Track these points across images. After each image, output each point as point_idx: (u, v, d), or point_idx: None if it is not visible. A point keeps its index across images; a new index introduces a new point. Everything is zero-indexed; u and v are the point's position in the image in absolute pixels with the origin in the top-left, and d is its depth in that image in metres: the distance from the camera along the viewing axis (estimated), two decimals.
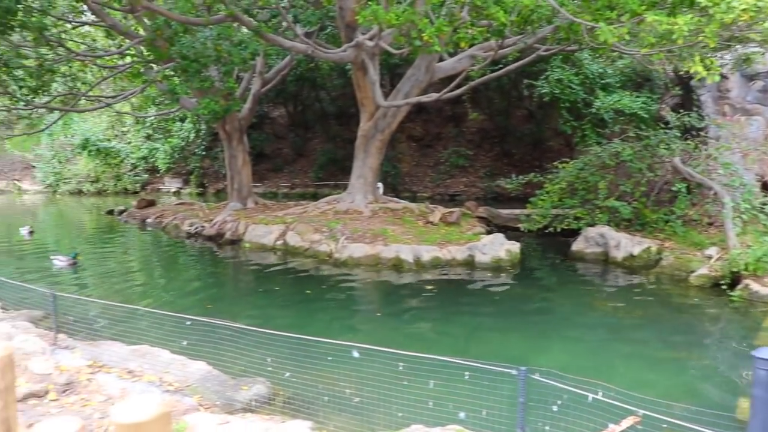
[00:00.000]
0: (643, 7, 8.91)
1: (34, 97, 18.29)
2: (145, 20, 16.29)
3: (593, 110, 20.31)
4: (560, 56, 19.81)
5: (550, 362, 7.19)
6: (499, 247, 14.00)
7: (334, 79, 28.85)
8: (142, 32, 17.73)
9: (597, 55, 20.87)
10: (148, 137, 33.73)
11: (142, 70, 17.44)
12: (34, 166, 36.59)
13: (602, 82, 21.11)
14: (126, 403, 1.07)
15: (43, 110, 21.56)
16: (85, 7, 18.15)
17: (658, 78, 21.90)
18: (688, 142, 15.66)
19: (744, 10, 7.87)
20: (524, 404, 4.83)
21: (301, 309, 10.91)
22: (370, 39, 15.23)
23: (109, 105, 23.67)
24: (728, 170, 14.42)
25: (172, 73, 15.75)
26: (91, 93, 21.95)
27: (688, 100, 18.12)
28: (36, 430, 1.22)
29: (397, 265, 13.75)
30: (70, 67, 20.16)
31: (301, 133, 32.16)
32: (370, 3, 12.48)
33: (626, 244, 13.98)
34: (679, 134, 16.09)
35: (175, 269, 15.05)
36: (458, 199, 24.82)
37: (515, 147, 27.25)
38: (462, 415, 5.41)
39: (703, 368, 8.21)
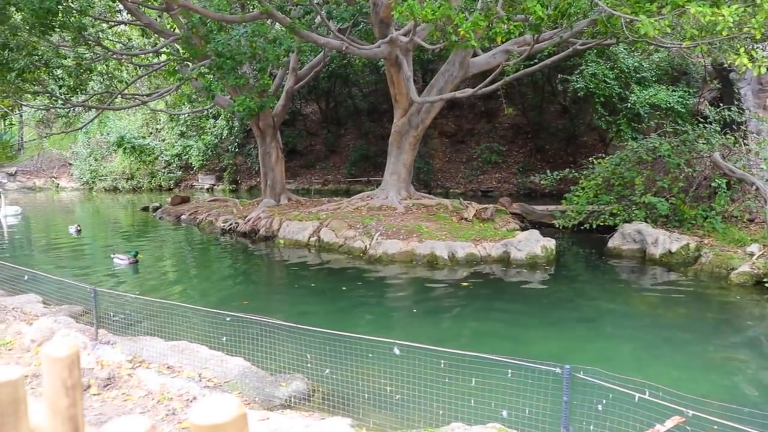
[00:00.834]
0: None
1: (71, 96, 18.56)
2: (181, 18, 16.43)
3: (628, 105, 20.08)
4: (595, 50, 19.57)
5: (588, 360, 7.11)
6: (534, 244, 13.86)
7: (367, 76, 28.90)
8: (177, 31, 17.88)
9: (633, 49, 20.61)
10: (182, 134, 34.09)
11: (177, 67, 17.58)
12: (71, 164, 37.24)
13: (638, 76, 20.84)
14: (201, 404, 1.05)
15: (80, 109, 21.87)
16: (121, 6, 18.39)
17: (695, 71, 21.58)
18: (728, 136, 15.36)
19: None
20: (568, 403, 4.75)
21: (337, 305, 10.91)
22: (405, 35, 15.18)
23: (144, 103, 23.96)
24: None
25: (206, 70, 15.86)
26: (126, 91, 22.22)
27: (727, 94, 17.80)
28: (105, 429, 1.20)
29: (432, 262, 13.70)
30: (107, 65, 20.42)
31: (333, 130, 32.24)
32: None
33: (664, 241, 13.75)
34: (718, 129, 15.79)
35: (210, 265, 15.15)
36: (491, 195, 24.69)
37: (548, 142, 27.02)
38: (504, 413, 5.34)
39: (748, 368, 8.02)
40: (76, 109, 21.28)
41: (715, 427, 4.55)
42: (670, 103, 19.01)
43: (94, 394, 6.58)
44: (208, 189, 32.37)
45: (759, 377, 7.71)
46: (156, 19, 20.01)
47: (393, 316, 10.69)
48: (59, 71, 17.47)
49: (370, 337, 5.95)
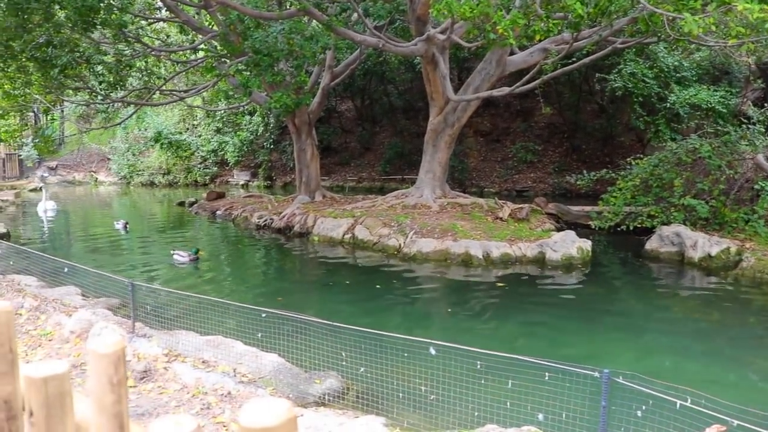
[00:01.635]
0: None
1: (111, 92, 18.83)
2: (219, 15, 16.56)
3: (668, 105, 19.71)
4: (634, 49, 19.25)
5: (623, 364, 6.99)
6: (570, 245, 13.71)
7: (402, 73, 28.82)
8: (215, 27, 18.04)
9: (673, 48, 20.25)
10: (218, 131, 34.37)
11: (214, 64, 17.74)
12: (109, 159, 37.84)
13: (678, 75, 20.46)
14: (251, 406, 1.03)
15: (119, 104, 22.20)
16: (160, 3, 18.61)
17: (738, 70, 21.13)
18: None
19: None
20: (606, 408, 4.68)
21: (371, 303, 10.90)
22: (442, 32, 15.11)
23: (182, 99, 24.22)
24: None
25: (243, 67, 15.97)
26: (164, 87, 22.48)
27: None
28: (152, 427, 1.19)
29: (466, 261, 13.62)
30: (146, 62, 20.68)
31: (368, 127, 32.25)
32: None
33: (703, 244, 13.48)
34: (762, 129, 15.45)
35: (244, 261, 15.26)
36: (526, 195, 24.47)
37: (585, 142, 26.68)
38: (540, 416, 5.28)
39: None
40: (115, 104, 21.60)
41: None
42: (711, 103, 18.62)
43: (131, 386, 6.66)
44: (243, 185, 32.61)
45: None
46: (194, 16, 20.20)
47: (427, 315, 10.65)
48: (100, 67, 17.74)
49: (406, 337, 5.93)
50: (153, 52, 19.47)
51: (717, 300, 11.09)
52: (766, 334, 9.46)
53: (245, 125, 32.87)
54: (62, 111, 35.08)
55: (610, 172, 17.12)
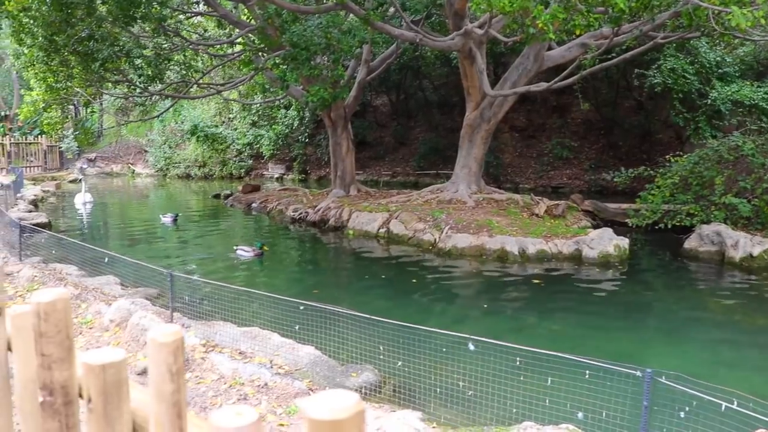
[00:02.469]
0: None
1: (149, 85, 19.07)
2: (257, 9, 16.66)
3: (708, 101, 19.34)
4: (674, 44, 18.89)
5: (661, 363, 6.87)
6: (607, 242, 13.55)
7: (438, 68, 28.72)
8: (252, 21, 18.15)
9: (715, 43, 19.87)
10: (254, 124, 34.62)
11: (252, 58, 17.87)
12: (146, 151, 38.36)
13: (720, 71, 20.05)
14: (318, 398, 1.02)
15: (157, 97, 22.48)
16: None
17: None
18: None
19: None
20: (648, 408, 4.61)
21: (407, 298, 10.89)
22: (480, 27, 15.01)
23: (218, 92, 24.43)
24: None
25: (280, 61, 16.06)
26: (201, 81, 22.70)
27: None
28: (213, 416, 1.20)
29: (502, 257, 13.54)
30: (185, 55, 20.90)
31: (403, 122, 32.22)
32: None
33: (745, 244, 13.21)
34: None
35: (280, 253, 15.34)
36: (561, 191, 24.25)
37: (622, 139, 26.33)
38: (580, 415, 5.23)
39: None
40: (153, 97, 21.87)
41: None
42: (754, 100, 18.22)
43: None
44: (277, 178, 32.82)
45: None
46: (231, 11, 20.36)
47: (463, 310, 10.61)
48: (139, 61, 17.98)
49: (443, 331, 5.90)
50: (191, 46, 19.67)
51: (759, 301, 10.86)
52: None
53: (280, 119, 33.05)
54: (101, 104, 35.64)
55: (648, 169, 16.87)
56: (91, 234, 18.06)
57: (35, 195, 23.77)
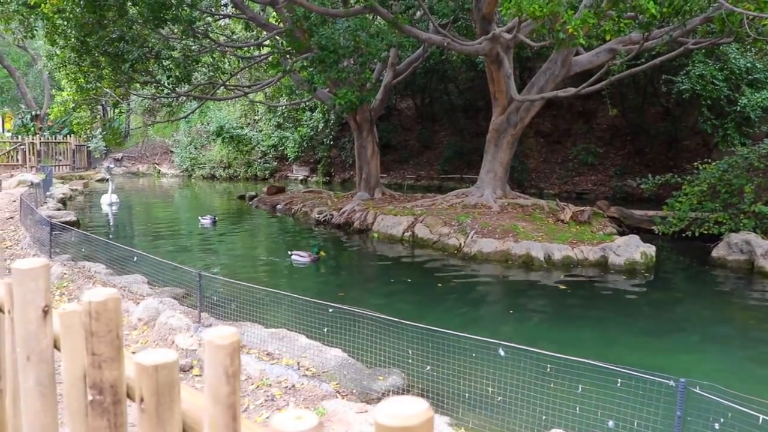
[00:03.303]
0: None
1: (177, 86, 19.25)
2: (285, 12, 16.75)
3: (738, 108, 19.10)
4: (703, 50, 18.68)
5: (690, 374, 6.80)
6: (634, 249, 13.43)
7: (463, 72, 28.68)
8: (280, 24, 18.26)
9: (746, 49, 19.62)
10: (279, 126, 34.78)
11: (280, 60, 17.98)
12: (172, 152, 38.71)
13: (750, 77, 19.79)
14: (388, 404, 1.03)
15: (184, 98, 22.69)
16: (226, 0, 18.96)
17: None
18: None
19: None
20: (681, 419, 4.56)
21: (433, 302, 10.88)
22: (508, 31, 14.97)
23: (245, 94, 24.59)
24: None
25: (308, 64, 16.13)
26: (228, 83, 22.86)
27: None
28: (272, 421, 1.20)
29: (527, 263, 13.48)
30: (213, 57, 21.08)
31: (428, 126, 32.21)
32: None
33: None
34: None
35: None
36: (586, 197, 24.08)
37: (648, 145, 26.08)
38: (611, 423, 5.18)
39: None
40: (180, 98, 22.08)
41: None
42: None
43: (196, 375, 6.78)
44: (302, 180, 32.94)
45: None
46: (259, 13, 20.50)
47: (489, 315, 10.57)
48: (167, 62, 18.16)
49: (473, 336, 5.88)
50: (219, 48, 19.82)
51: None
52: None
53: (306, 121, 33.18)
54: (129, 104, 36.05)
55: (676, 176, 16.69)
56: (122, 233, 18.24)
57: (64, 193, 24.10)
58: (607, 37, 11.02)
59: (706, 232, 14.65)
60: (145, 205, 25.12)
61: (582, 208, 16.70)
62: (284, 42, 17.55)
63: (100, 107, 33.59)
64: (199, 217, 18.78)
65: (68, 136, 36.52)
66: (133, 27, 16.07)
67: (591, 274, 12.92)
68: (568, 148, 27.94)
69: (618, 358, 7.40)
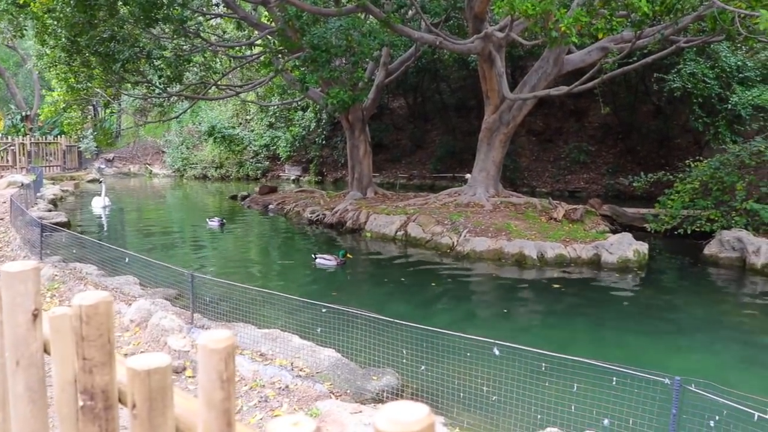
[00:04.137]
0: None
1: (169, 86, 19.16)
2: (277, 11, 16.70)
3: (729, 106, 19.15)
4: (694, 48, 18.70)
5: (684, 371, 6.80)
6: (626, 247, 13.45)
7: (456, 71, 28.67)
8: (272, 24, 18.20)
9: (736, 47, 19.67)
10: (271, 126, 34.72)
11: (271, 60, 17.92)
12: (164, 152, 38.58)
13: (740, 75, 19.83)
14: (388, 410, 1.00)
15: (175, 98, 22.59)
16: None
17: None
18: None
19: None
20: (677, 416, 4.55)
21: (426, 301, 10.86)
22: (501, 30, 14.96)
23: (237, 94, 24.51)
24: None
25: (299, 63, 16.08)
26: (220, 82, 22.78)
27: None
28: (269, 426, 1.17)
29: (521, 261, 13.48)
30: (204, 57, 20.99)
31: (420, 125, 32.19)
32: None
33: (767, 251, 13.08)
34: None
35: (298, 255, 15.33)
36: (578, 195, 24.12)
37: (640, 144, 26.13)
38: (606, 422, 5.17)
39: None
40: (172, 98, 21.99)
41: None
42: None
43: (189, 377, 6.73)
44: (294, 180, 32.86)
45: None
46: (251, 12, 20.43)
47: (483, 315, 10.56)
48: (159, 62, 18.07)
49: (467, 336, 5.86)
50: (211, 48, 19.74)
51: None
52: None
53: (297, 121, 33.12)
54: (120, 104, 35.90)
55: (668, 174, 16.72)
56: (113, 234, 18.13)
57: (54, 194, 23.94)
58: (600, 36, 11.01)
59: (698, 229, 14.70)
60: (137, 206, 24.98)
61: (574, 206, 16.71)
62: (276, 41, 17.50)
63: (90, 107, 33.48)
64: (207, 220, 18.53)
65: (59, 136, 36.31)
66: (124, 26, 15.99)
67: (584, 272, 12.92)
68: (560, 146, 27.98)
69: (612, 355, 7.40)
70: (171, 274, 9.72)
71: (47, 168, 34.40)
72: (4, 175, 30.63)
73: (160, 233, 17.96)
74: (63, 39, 16.04)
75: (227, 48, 21.30)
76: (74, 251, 12.38)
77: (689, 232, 14.82)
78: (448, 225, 15.28)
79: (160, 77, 18.40)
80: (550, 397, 5.57)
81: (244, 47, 21.90)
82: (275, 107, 32.37)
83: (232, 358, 1.47)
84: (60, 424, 2.03)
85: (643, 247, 13.56)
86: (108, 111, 36.75)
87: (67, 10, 15.00)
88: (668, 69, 20.49)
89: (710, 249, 13.99)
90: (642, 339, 8.99)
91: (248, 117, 36.34)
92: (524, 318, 10.13)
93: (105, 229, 19.12)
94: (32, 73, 38.85)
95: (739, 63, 19.76)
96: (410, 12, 18.85)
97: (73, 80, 18.22)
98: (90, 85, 18.94)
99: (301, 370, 6.72)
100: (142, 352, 7.30)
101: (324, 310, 7.21)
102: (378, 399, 6.24)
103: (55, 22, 15.73)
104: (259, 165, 34.71)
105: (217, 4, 21.16)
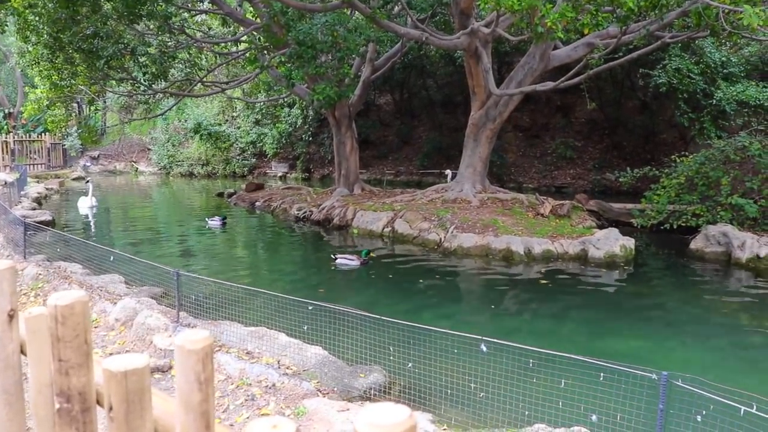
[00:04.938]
0: None
1: (154, 83, 19.01)
2: (262, 7, 16.60)
3: (714, 101, 19.24)
4: (679, 44, 18.76)
5: (671, 366, 6.82)
6: (613, 242, 13.48)
7: (442, 67, 28.65)
8: (258, 20, 18.09)
9: (721, 43, 19.75)
10: (257, 122, 34.59)
11: (257, 56, 17.82)
12: (149, 149, 38.35)
13: (725, 71, 19.92)
14: (368, 412, 0.97)
15: (161, 95, 22.41)
16: None
17: None
18: None
19: None
20: (664, 412, 4.54)
21: (414, 298, 10.83)
22: (487, 25, 14.94)
23: (223, 90, 24.38)
24: None
25: (285, 59, 15.99)
26: (205, 79, 22.64)
27: None
28: (248, 429, 1.14)
29: (508, 257, 13.48)
30: (189, 53, 20.85)
31: (407, 121, 32.16)
32: None
33: (752, 245, 13.13)
34: None
35: (285, 252, 15.28)
36: (565, 191, 24.19)
37: (626, 139, 26.23)
38: (594, 417, 5.16)
39: None
40: (157, 95, 21.81)
41: None
42: (760, 100, 18.12)
43: (174, 376, 6.66)
44: (281, 177, 32.76)
45: None
46: (236, 8, 20.31)
47: (471, 310, 10.56)
48: (143, 58, 17.92)
49: (454, 332, 5.84)
50: (196, 44, 19.61)
51: (766, 303, 10.80)
52: None
53: (284, 117, 33.00)
54: (105, 102, 35.63)
55: (654, 169, 16.78)
56: (101, 233, 18.00)
57: (39, 193, 23.72)
58: (585, 31, 11.01)
59: (684, 224, 14.77)
60: (123, 204, 24.81)
61: (561, 201, 16.74)
62: (261, 37, 17.38)
63: (75, 105, 33.14)
64: (207, 219, 18.27)
65: (43, 134, 35.97)
66: (108, 23, 15.83)
67: (571, 268, 12.94)
68: (546, 142, 28.03)
69: (599, 351, 7.41)
70: (157, 272, 9.64)
71: (31, 166, 34.10)
72: None
73: (174, 234, 17.70)
74: (45, 35, 15.87)
75: (212, 44, 21.17)
76: (59, 250, 12.28)
77: (675, 227, 14.88)
78: (435, 221, 15.26)
79: (144, 74, 18.24)
80: (537, 394, 5.56)
81: (229, 43, 21.77)
82: (261, 104, 32.24)
83: (210, 358, 1.43)
84: (36, 427, 1.98)
85: (630, 243, 13.59)
86: (93, 108, 36.39)
87: (49, 5, 14.85)
88: (654, 65, 20.55)
89: (696, 244, 14.05)
90: (629, 334, 9.01)
91: (234, 114, 36.19)
92: (512, 314, 10.13)
93: (91, 227, 18.96)
94: (15, 70, 38.46)
95: (723, 59, 19.85)
96: (396, 8, 18.81)
97: (56, 77, 18.05)
98: (74, 82, 18.75)
99: (288, 368, 6.68)
100: (127, 351, 7.24)
101: (311, 308, 7.16)
102: (365, 397, 6.21)
103: (37, 18, 15.56)
104: (246, 162, 34.59)
105: (201, 0, 21.02)
